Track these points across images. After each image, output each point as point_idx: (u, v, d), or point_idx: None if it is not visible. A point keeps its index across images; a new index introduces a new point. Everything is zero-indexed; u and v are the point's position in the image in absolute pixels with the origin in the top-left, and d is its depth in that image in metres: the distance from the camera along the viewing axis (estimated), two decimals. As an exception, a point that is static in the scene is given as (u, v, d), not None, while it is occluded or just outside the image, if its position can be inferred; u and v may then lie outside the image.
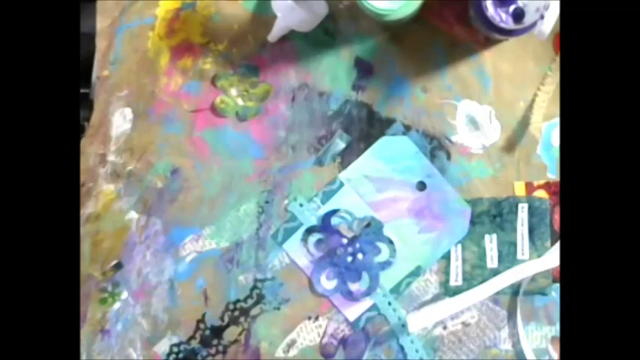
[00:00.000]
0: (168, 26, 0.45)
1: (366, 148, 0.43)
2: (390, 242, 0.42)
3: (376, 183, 0.43)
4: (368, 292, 0.42)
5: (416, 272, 0.42)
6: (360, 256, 0.42)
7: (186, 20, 0.44)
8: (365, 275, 0.42)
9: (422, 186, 0.43)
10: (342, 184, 0.43)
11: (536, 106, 0.43)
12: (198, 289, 0.43)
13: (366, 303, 0.42)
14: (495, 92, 0.43)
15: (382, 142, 0.43)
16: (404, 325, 0.42)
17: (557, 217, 0.42)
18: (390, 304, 0.42)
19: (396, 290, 0.42)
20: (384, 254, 0.42)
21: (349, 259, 0.42)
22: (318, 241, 0.42)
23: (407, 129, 0.43)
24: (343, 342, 0.42)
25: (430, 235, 0.42)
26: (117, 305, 0.43)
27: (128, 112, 0.44)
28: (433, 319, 0.41)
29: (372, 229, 0.42)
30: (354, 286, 0.42)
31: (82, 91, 0.44)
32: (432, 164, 0.43)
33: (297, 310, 0.43)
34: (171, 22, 0.44)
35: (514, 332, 0.42)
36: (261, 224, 0.43)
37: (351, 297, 0.42)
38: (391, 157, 0.43)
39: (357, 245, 0.42)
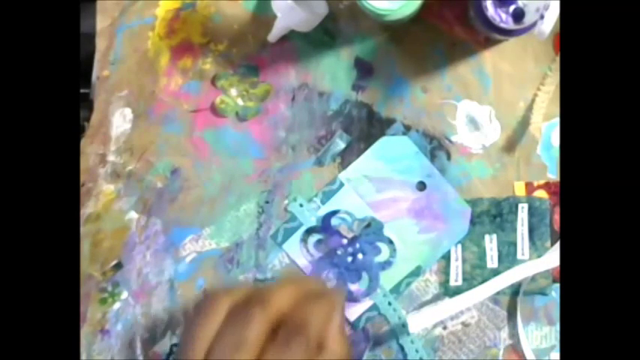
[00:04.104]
0: (168, 26, 0.45)
1: (366, 148, 0.43)
2: (390, 242, 0.42)
3: (376, 183, 0.43)
4: (368, 292, 0.42)
5: (416, 272, 0.42)
6: (360, 256, 0.42)
7: (186, 20, 0.44)
8: (365, 275, 0.42)
9: (422, 186, 0.43)
10: (342, 185, 0.43)
11: (536, 106, 0.43)
12: (198, 289, 0.43)
13: (366, 303, 0.42)
14: (495, 92, 0.43)
15: (382, 142, 0.43)
16: (404, 325, 0.42)
17: (557, 217, 0.42)
18: (390, 304, 0.42)
19: (396, 290, 0.42)
20: (384, 254, 0.42)
21: (349, 259, 0.42)
22: (318, 242, 0.42)
23: (407, 129, 0.43)
24: (343, 342, 0.42)
25: (430, 235, 0.42)
26: (117, 305, 0.43)
27: (128, 112, 0.44)
28: (433, 319, 0.41)
29: (372, 230, 0.42)
30: (354, 287, 0.42)
31: (82, 91, 0.44)
32: (432, 164, 0.43)
33: (297, 310, 0.43)
34: (172, 22, 0.45)
35: (514, 332, 0.42)
36: (261, 224, 0.43)
37: (351, 297, 0.42)
38: (391, 157, 0.43)
39: (357, 245, 0.42)
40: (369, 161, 0.43)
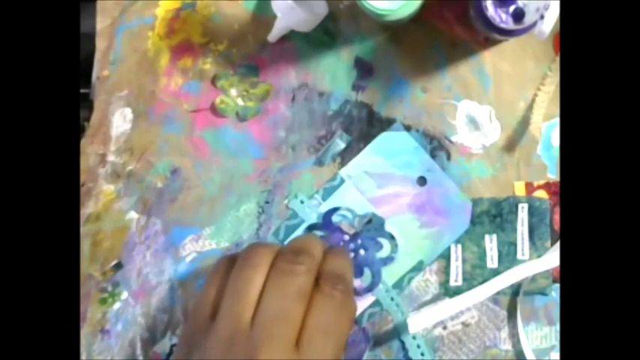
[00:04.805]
0: (168, 26, 0.45)
1: (365, 148, 0.43)
2: (392, 238, 0.42)
3: (377, 179, 0.43)
4: (370, 288, 0.42)
5: (418, 267, 0.42)
6: (362, 252, 0.42)
7: (186, 20, 0.44)
8: (367, 271, 0.42)
9: (422, 181, 0.43)
10: (342, 181, 0.43)
11: (536, 106, 0.43)
12: (198, 289, 0.43)
13: (369, 299, 0.42)
14: (495, 92, 0.43)
15: (382, 137, 0.43)
16: (406, 321, 0.41)
17: (557, 217, 0.42)
18: (392, 299, 0.42)
19: (398, 285, 0.42)
20: (386, 250, 0.42)
21: (351, 255, 0.42)
22: (320, 238, 0.42)
23: (407, 129, 0.43)
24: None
25: (431, 230, 0.42)
26: (117, 305, 0.43)
27: (128, 112, 0.44)
28: (433, 319, 0.41)
29: (373, 225, 0.42)
30: (356, 282, 0.42)
31: (82, 91, 0.44)
32: (432, 159, 0.43)
33: (297, 309, 0.43)
34: (171, 22, 0.45)
35: (514, 332, 0.42)
36: (261, 224, 0.43)
37: (354, 293, 0.42)
38: (391, 152, 0.43)
39: (359, 241, 0.42)
40: (369, 157, 0.43)
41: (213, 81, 0.44)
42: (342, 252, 0.38)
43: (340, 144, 0.43)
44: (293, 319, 0.33)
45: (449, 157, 0.43)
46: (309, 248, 0.36)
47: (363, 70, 0.44)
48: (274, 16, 0.42)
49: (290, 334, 0.33)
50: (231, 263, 0.36)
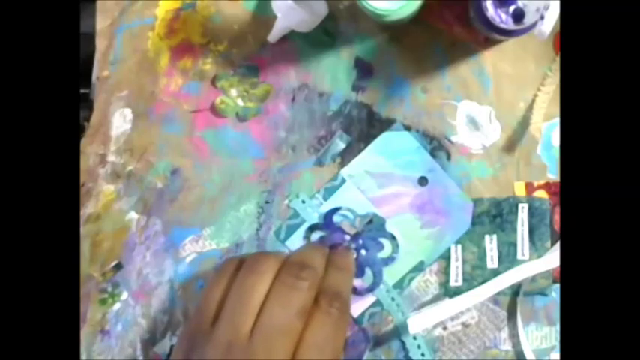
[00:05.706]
0: (168, 26, 0.45)
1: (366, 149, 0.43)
2: (393, 238, 0.42)
3: (378, 179, 0.43)
4: (372, 288, 0.42)
5: (419, 267, 0.42)
6: (363, 252, 0.42)
7: (186, 20, 0.44)
8: (368, 271, 0.42)
9: (424, 181, 0.43)
10: (344, 181, 0.43)
11: (536, 106, 0.43)
12: (198, 289, 0.43)
13: (370, 299, 0.42)
14: (495, 92, 0.43)
15: (383, 137, 0.43)
16: (406, 321, 0.41)
17: (557, 217, 0.42)
18: (393, 299, 0.42)
19: (399, 285, 0.42)
20: (387, 250, 0.42)
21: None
22: (321, 238, 0.42)
23: (407, 129, 0.43)
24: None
25: (432, 230, 0.42)
26: (117, 306, 0.43)
27: (128, 112, 0.44)
28: (433, 319, 0.41)
29: (374, 226, 0.42)
30: (357, 282, 0.42)
31: (82, 91, 0.44)
32: (433, 159, 0.43)
33: (297, 309, 0.43)
34: (172, 22, 0.45)
35: (514, 333, 0.42)
36: (261, 224, 0.43)
37: (355, 293, 0.42)
38: (393, 152, 0.43)
39: (360, 241, 0.42)
40: (370, 157, 0.43)
41: (213, 81, 0.44)
42: (344, 264, 0.38)
43: (340, 144, 0.43)
44: (292, 335, 0.33)
45: (449, 158, 0.43)
46: (313, 261, 0.36)
47: (363, 70, 0.44)
48: (274, 16, 0.42)
49: (288, 349, 0.33)
50: (237, 266, 0.36)
